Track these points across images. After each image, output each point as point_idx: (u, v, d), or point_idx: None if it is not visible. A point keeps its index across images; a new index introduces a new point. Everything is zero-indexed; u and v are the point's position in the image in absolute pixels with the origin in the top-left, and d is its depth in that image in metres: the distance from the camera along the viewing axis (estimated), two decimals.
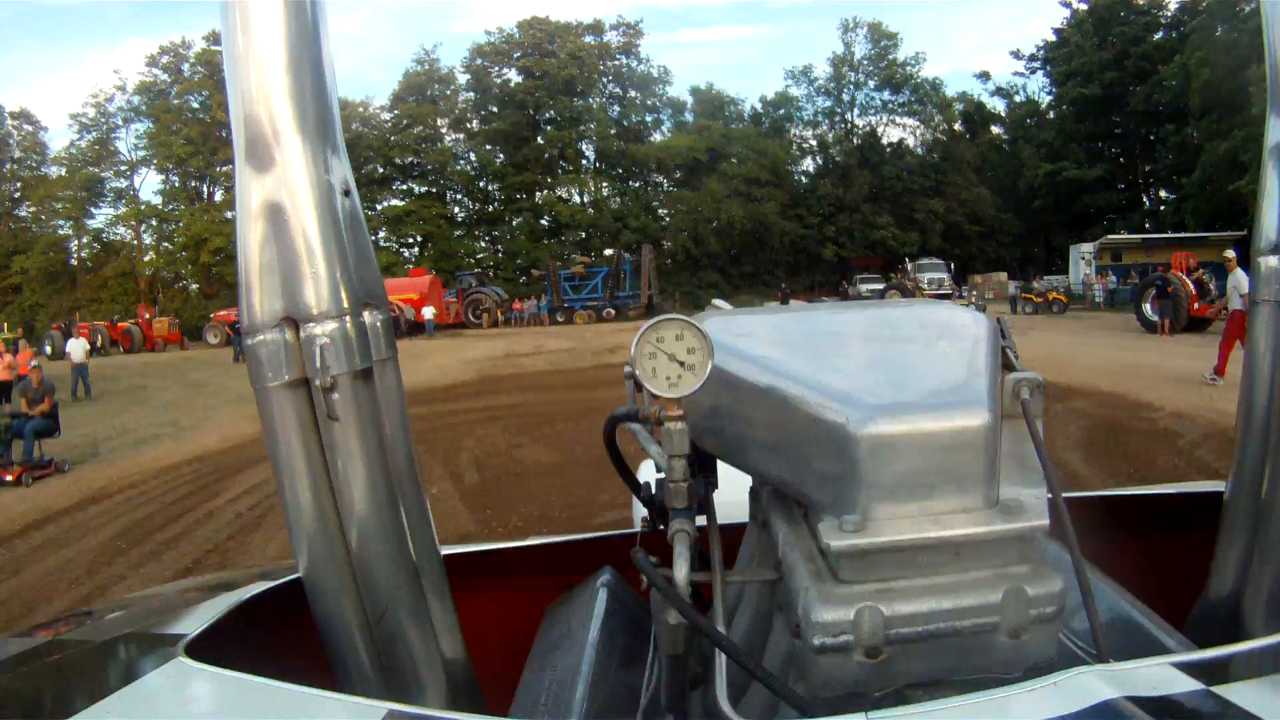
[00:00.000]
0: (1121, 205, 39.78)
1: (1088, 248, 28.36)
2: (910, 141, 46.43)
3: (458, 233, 44.77)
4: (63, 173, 44.06)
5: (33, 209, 44.78)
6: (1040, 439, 0.79)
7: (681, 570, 0.75)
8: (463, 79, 45.19)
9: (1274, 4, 1.03)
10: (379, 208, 43.89)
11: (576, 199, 45.12)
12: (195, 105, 43.95)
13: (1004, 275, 36.33)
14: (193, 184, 44.22)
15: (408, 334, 28.08)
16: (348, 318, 0.83)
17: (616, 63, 45.19)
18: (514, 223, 44.32)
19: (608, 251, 39.79)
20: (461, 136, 45.54)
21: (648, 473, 1.11)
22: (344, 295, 0.83)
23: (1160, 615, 1.00)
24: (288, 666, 0.83)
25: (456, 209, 46.41)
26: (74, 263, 43.92)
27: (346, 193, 0.87)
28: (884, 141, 45.86)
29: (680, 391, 0.77)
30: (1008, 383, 0.81)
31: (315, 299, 0.82)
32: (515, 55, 43.83)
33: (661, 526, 0.87)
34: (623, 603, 1.31)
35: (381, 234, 43.31)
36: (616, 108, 45.37)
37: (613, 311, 33.52)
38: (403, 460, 0.94)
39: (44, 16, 61.90)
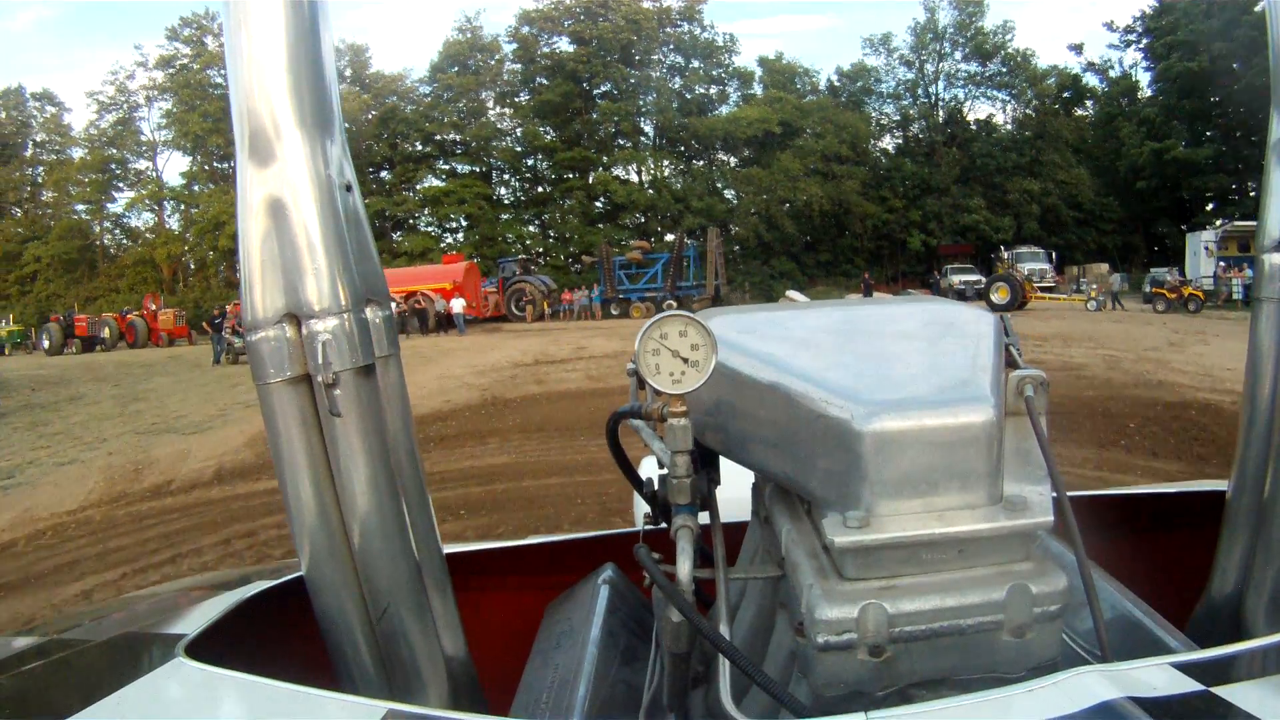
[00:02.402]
0: (1231, 189, 36.19)
1: (1209, 236, 25.72)
2: (999, 118, 41.04)
3: (503, 216, 40.29)
4: (84, 155, 42.83)
5: (53, 194, 41.02)
6: (1044, 436, 0.79)
7: (684, 567, 0.76)
8: (508, 48, 42.21)
9: (1276, 4, 1.03)
10: (417, 188, 39.35)
11: (634, 178, 40.21)
12: (219, 79, 39.81)
13: (1105, 267, 30.95)
14: (215, 164, 39.88)
15: (436, 329, 25.90)
16: (350, 314, 0.84)
17: (677, 29, 40.33)
18: (564, 204, 39.44)
19: (668, 237, 34.71)
20: (507, 111, 40.96)
21: (650, 469, 1.08)
22: (346, 291, 0.84)
23: (1162, 615, 1.01)
24: (287, 666, 0.86)
25: (501, 189, 42.35)
26: (95, 249, 42.71)
27: (348, 188, 0.88)
28: (969, 117, 40.44)
29: (684, 388, 0.79)
30: (1011, 380, 0.82)
31: (317, 295, 0.83)
32: (565, 22, 41.25)
33: (664, 523, 0.88)
34: (624, 600, 1.32)
35: (421, 217, 38.65)
36: (678, 80, 40.55)
37: (674, 303, 28.37)
38: (405, 457, 0.95)
39: None
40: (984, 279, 30.57)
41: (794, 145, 38.72)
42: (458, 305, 25.62)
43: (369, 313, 0.89)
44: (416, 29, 75.72)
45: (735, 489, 1.06)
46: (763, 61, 42.74)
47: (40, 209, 43.81)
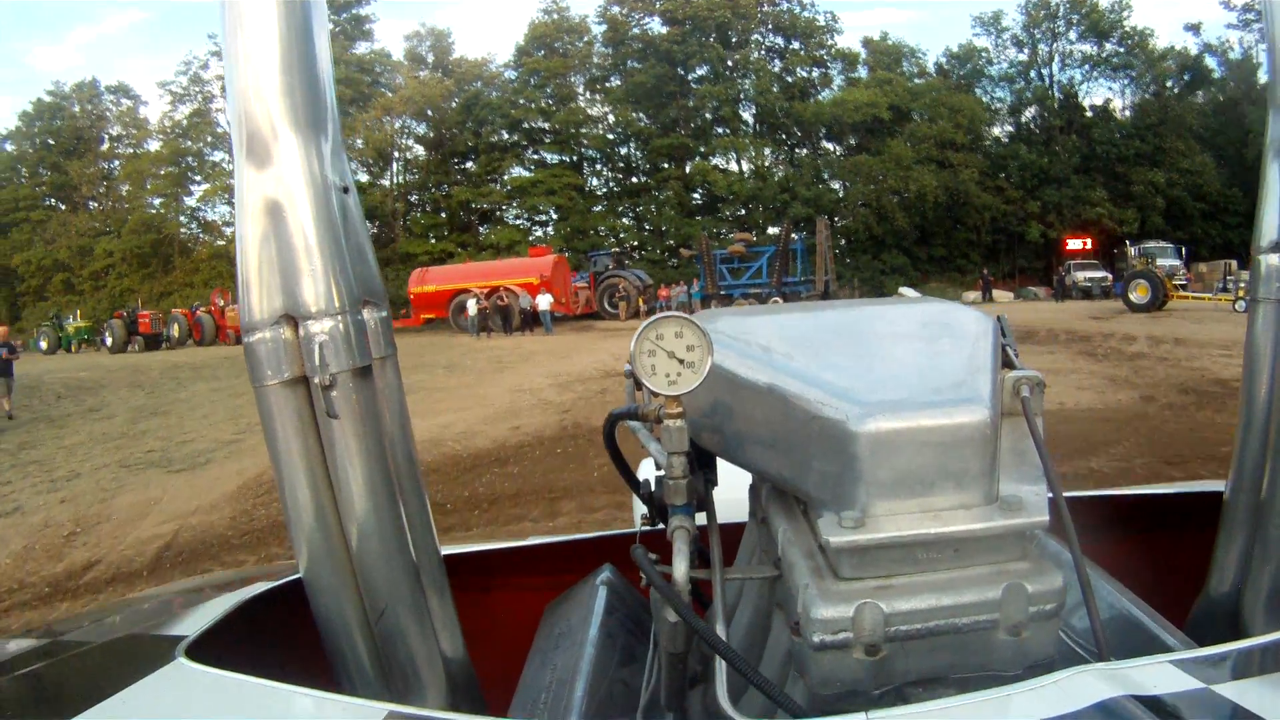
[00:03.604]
0: None
1: None
2: (1116, 102, 37.98)
3: (595, 207, 38.30)
4: (160, 147, 43.57)
5: (128, 188, 40.10)
6: (1040, 436, 0.82)
7: (681, 567, 0.79)
8: (597, 30, 41.90)
9: (1276, 4, 1.09)
10: (504, 178, 37.29)
11: (733, 167, 37.78)
12: None
13: (1234, 263, 28.01)
14: None
15: (521, 327, 24.76)
16: (346, 315, 0.88)
17: (775, 8, 38.13)
18: (660, 195, 37.28)
19: (770, 230, 32.26)
20: (598, 96, 38.85)
21: (647, 470, 1.18)
22: (343, 293, 0.88)
23: (1161, 614, 1.05)
24: (287, 667, 0.91)
25: (593, 179, 40.29)
26: (170, 243, 44.31)
27: (345, 190, 0.92)
28: (1084, 102, 37.48)
29: (679, 389, 0.81)
30: (1007, 380, 0.85)
31: (314, 297, 0.86)
32: (656, 1, 41.69)
33: (661, 524, 0.93)
34: (622, 600, 1.37)
35: (508, 209, 36.66)
36: (777, 62, 37.92)
37: (780, 300, 26.22)
38: (403, 459, 0.98)
39: None
40: (1109, 275, 27.76)
41: (905, 131, 36.05)
42: (544, 302, 24.85)
43: (366, 314, 0.91)
44: (501, 11, 76.14)
45: (732, 490, 1.08)
46: (867, 43, 40.85)
47: (115, 203, 44.48)
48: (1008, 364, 0.91)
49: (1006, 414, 0.82)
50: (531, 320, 24.40)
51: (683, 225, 38.61)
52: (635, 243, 39.93)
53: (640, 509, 1.10)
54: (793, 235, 29.55)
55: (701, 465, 0.98)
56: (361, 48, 42.29)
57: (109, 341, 29.37)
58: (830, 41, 42.13)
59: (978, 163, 38.20)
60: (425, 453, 7.82)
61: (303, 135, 0.85)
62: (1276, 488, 1.07)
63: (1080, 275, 30.67)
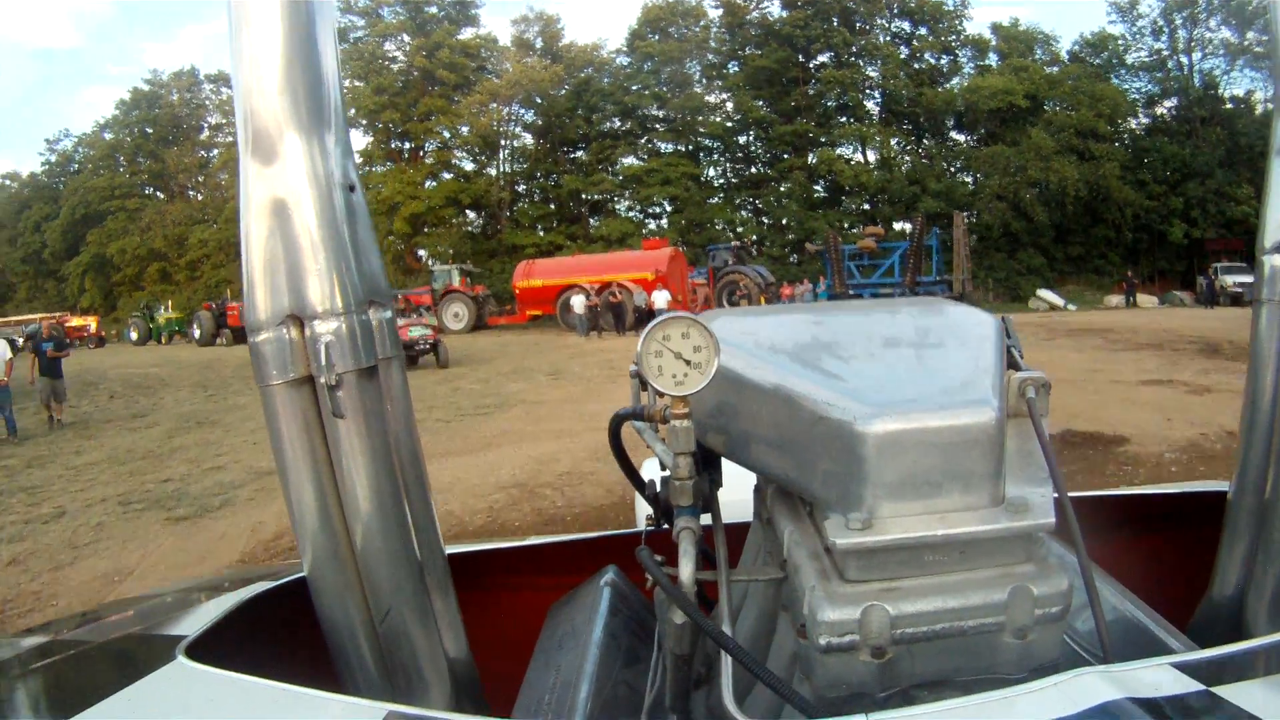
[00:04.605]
0: None
1: None
2: (1259, 94, 35.47)
3: (711, 199, 36.53)
4: None
5: (226, 176, 39.93)
6: (1046, 437, 0.84)
7: (687, 569, 0.80)
8: (713, 13, 38.62)
9: (1277, 4, 1.08)
10: (616, 167, 35.85)
11: (859, 157, 35.82)
12: (391, 50, 36.85)
13: None
14: (394, 143, 37.34)
15: (635, 326, 22.47)
16: (352, 315, 0.89)
17: None
18: (781, 187, 35.43)
19: (896, 225, 30.28)
20: (716, 83, 37.19)
21: (652, 471, 1.15)
22: (349, 293, 0.89)
23: (1163, 615, 1.06)
24: (288, 667, 0.91)
25: (710, 170, 38.45)
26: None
27: (351, 188, 0.92)
28: (1224, 93, 35.03)
29: (686, 390, 0.82)
30: (1013, 381, 0.87)
31: (319, 296, 0.87)
32: None
33: (666, 525, 0.93)
34: (627, 601, 1.36)
35: (620, 200, 35.20)
36: (904, 48, 35.90)
37: None
38: (407, 458, 0.99)
39: None
40: None
41: (1042, 120, 33.84)
42: (661, 299, 22.49)
43: (371, 314, 0.92)
44: None
45: (737, 491, 1.10)
46: (997, 29, 38.17)
47: (213, 191, 44.82)
48: (1013, 365, 0.92)
49: (1012, 415, 0.83)
50: (646, 319, 20.83)
51: (805, 219, 36.59)
52: (754, 237, 37.80)
53: (645, 509, 1.07)
54: (930, 228, 28.02)
55: (707, 466, 0.99)
56: (467, 33, 41.58)
57: (196, 333, 29.03)
58: (960, 27, 39.81)
59: (1120, 154, 35.58)
60: (510, 506, 6.09)
61: (307, 134, 0.85)
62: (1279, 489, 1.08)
63: (1229, 279, 28.47)
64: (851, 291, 26.27)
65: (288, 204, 0.85)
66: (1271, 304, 1.09)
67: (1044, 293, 31.38)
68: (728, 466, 1.00)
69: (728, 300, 26.74)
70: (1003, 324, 0.99)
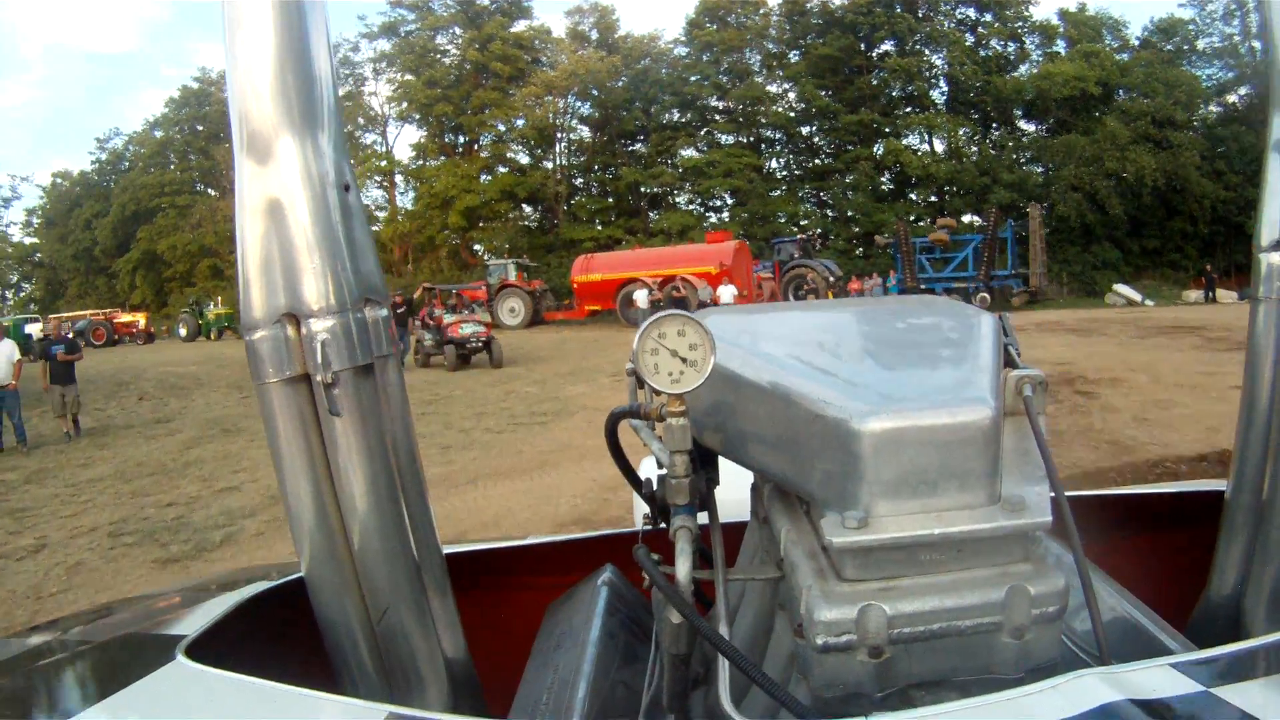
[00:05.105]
0: None
1: None
2: None
3: (774, 191, 35.83)
4: None
5: None
6: (1043, 436, 0.83)
7: (683, 568, 0.80)
8: (773, 1, 40.52)
9: (1276, 3, 1.09)
10: (675, 159, 35.21)
11: (925, 148, 35.01)
12: (444, 43, 36.23)
13: None
14: (447, 136, 36.80)
15: None
16: (348, 314, 0.89)
17: None
18: (847, 178, 34.61)
19: (966, 217, 29.32)
20: (778, 72, 36.43)
21: (648, 469, 1.15)
22: (345, 291, 0.89)
23: (1161, 615, 1.05)
24: (287, 668, 0.91)
25: (772, 161, 37.50)
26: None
27: (346, 187, 0.92)
28: None
29: (682, 388, 0.82)
30: (1010, 379, 0.86)
31: (315, 295, 0.87)
32: None
33: (663, 524, 0.93)
34: (624, 601, 1.37)
35: (680, 192, 34.58)
36: (970, 35, 34.90)
37: (988, 297, 24.16)
38: (404, 457, 0.98)
39: None
40: None
41: (1116, 108, 32.76)
42: (727, 293, 21.84)
43: (367, 312, 0.92)
44: None
45: (734, 489, 1.10)
46: (1064, 15, 36.92)
47: None
48: (1010, 363, 0.93)
49: (1009, 413, 0.83)
50: None
51: (872, 211, 35.62)
52: (820, 229, 36.58)
53: (642, 508, 1.07)
54: (1005, 220, 27.68)
55: (703, 464, 0.98)
56: (519, 25, 41.24)
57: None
58: (1027, 13, 38.12)
59: (1198, 144, 33.63)
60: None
61: (300, 134, 0.85)
62: (1277, 489, 1.07)
63: None
64: (923, 286, 25.49)
65: (283, 203, 0.85)
66: (1269, 301, 1.08)
67: (1121, 287, 30.41)
68: (725, 465, 0.99)
69: (794, 295, 25.55)
70: (1000, 322, 0.99)
